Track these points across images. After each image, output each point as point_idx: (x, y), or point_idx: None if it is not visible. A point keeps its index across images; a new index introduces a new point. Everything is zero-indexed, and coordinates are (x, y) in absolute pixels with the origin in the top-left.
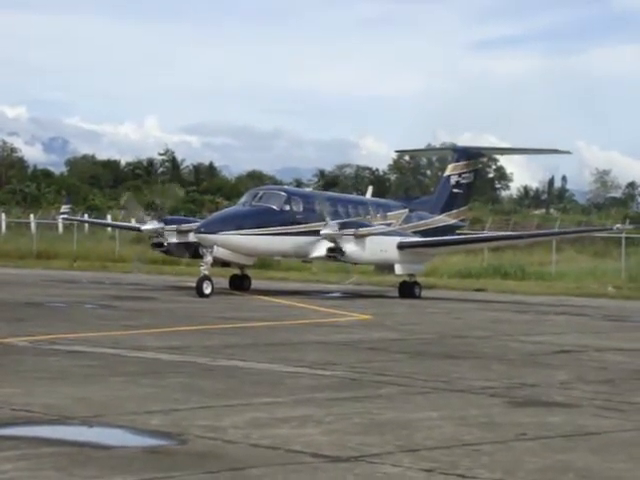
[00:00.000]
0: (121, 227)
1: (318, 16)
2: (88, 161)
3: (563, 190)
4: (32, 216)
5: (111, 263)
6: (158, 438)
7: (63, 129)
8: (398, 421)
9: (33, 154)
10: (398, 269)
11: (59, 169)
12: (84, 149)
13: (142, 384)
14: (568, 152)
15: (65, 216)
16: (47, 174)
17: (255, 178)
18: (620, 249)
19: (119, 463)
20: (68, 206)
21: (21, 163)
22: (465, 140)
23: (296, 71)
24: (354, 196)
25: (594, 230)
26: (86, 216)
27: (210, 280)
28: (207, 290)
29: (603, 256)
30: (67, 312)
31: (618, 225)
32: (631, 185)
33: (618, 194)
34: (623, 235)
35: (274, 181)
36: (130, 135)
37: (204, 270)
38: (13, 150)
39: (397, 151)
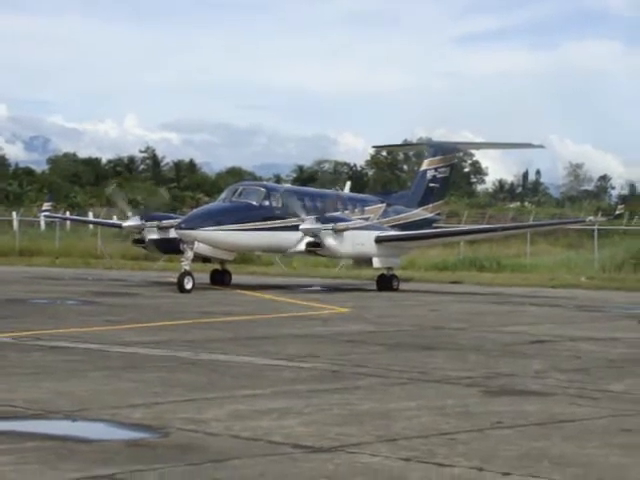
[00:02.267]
0: (102, 224)
1: (298, 12)
2: (69, 159)
3: (537, 183)
4: (14, 214)
5: (93, 260)
6: (140, 431)
7: (44, 127)
8: (377, 411)
9: (14, 152)
10: (376, 262)
11: (41, 167)
12: (65, 147)
13: (124, 378)
14: (541, 146)
15: (47, 213)
16: (29, 172)
17: (235, 174)
18: (593, 241)
19: (102, 456)
20: (50, 204)
21: (2, 161)
22: (440, 135)
23: (275, 68)
24: (332, 191)
25: (567, 222)
26: (68, 213)
27: (191, 275)
28: (188, 285)
29: (576, 248)
30: (50, 308)
31: (591, 217)
32: (603, 178)
33: (591, 187)
34: (596, 227)
35: (253, 177)
36: (110, 133)
37: (185, 266)
38: None
39: (375, 147)
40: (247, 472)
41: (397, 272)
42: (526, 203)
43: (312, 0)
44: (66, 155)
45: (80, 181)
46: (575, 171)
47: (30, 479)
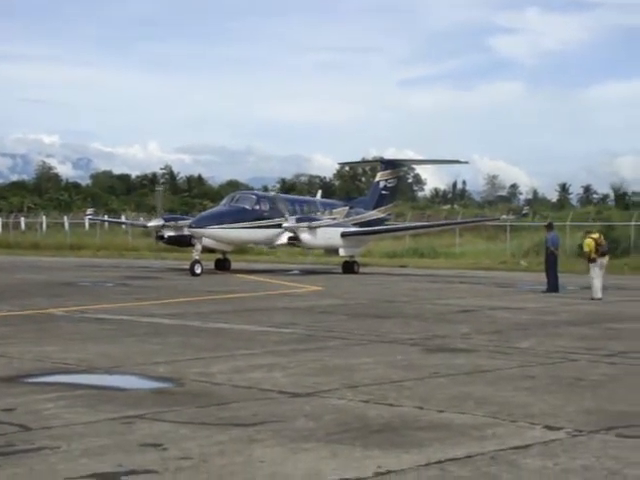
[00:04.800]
0: (132, 224)
1: (278, 63)
2: (107, 175)
3: (463, 190)
4: (65, 217)
5: (125, 251)
6: (162, 382)
7: (87, 151)
8: (342, 366)
9: (65, 171)
10: (341, 252)
11: (85, 182)
12: (103, 166)
13: (150, 342)
14: (466, 162)
15: (90, 217)
16: (76, 186)
17: (233, 185)
18: (506, 234)
19: (133, 401)
20: (92, 209)
21: (56, 178)
22: (390, 154)
23: (260, 105)
24: (308, 197)
25: (486, 220)
26: (106, 216)
27: (200, 263)
28: (198, 270)
29: (494, 239)
30: (93, 289)
31: (504, 216)
32: (513, 186)
33: (504, 193)
34: (508, 224)
35: (247, 187)
36: (137, 155)
37: (195, 255)
38: (50, 168)
39: (340, 163)
40: (244, 412)
41: (358, 259)
42: (455, 206)
43: (290, 54)
44: (104, 172)
45: (115, 192)
46: (492, 181)
47: (79, 418)
